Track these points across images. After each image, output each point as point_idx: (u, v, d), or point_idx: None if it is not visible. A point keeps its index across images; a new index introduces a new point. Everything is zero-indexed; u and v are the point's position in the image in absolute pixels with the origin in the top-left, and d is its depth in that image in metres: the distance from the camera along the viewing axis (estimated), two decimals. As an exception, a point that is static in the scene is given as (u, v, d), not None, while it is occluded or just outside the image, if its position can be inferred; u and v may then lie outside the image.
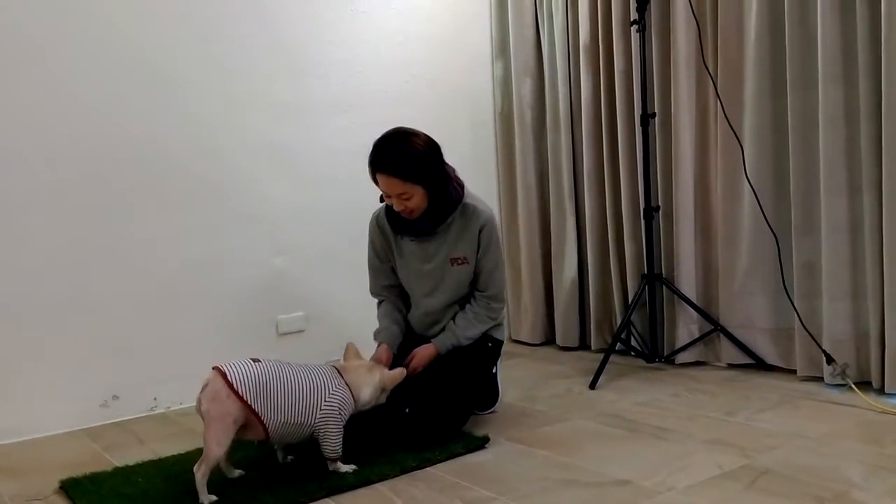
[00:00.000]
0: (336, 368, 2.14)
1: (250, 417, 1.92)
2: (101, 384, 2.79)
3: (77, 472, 2.19)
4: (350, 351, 2.28)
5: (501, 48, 3.82)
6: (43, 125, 2.67)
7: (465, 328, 2.47)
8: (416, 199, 2.32)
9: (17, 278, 2.63)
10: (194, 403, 1.92)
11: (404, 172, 2.28)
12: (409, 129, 2.36)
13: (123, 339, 2.82)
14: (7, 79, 2.60)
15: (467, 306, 2.50)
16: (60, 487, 2.13)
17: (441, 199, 2.37)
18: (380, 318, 2.58)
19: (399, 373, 2.23)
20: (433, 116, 3.61)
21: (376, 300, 2.64)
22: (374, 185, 2.38)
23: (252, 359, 1.98)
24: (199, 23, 2.99)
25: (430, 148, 2.33)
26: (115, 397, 2.81)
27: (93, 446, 2.52)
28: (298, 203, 3.24)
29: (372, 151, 2.32)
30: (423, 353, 2.44)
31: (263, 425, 1.93)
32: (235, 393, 1.88)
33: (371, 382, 2.16)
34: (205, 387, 1.90)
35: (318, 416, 2.01)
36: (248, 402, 1.89)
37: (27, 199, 2.64)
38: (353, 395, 2.11)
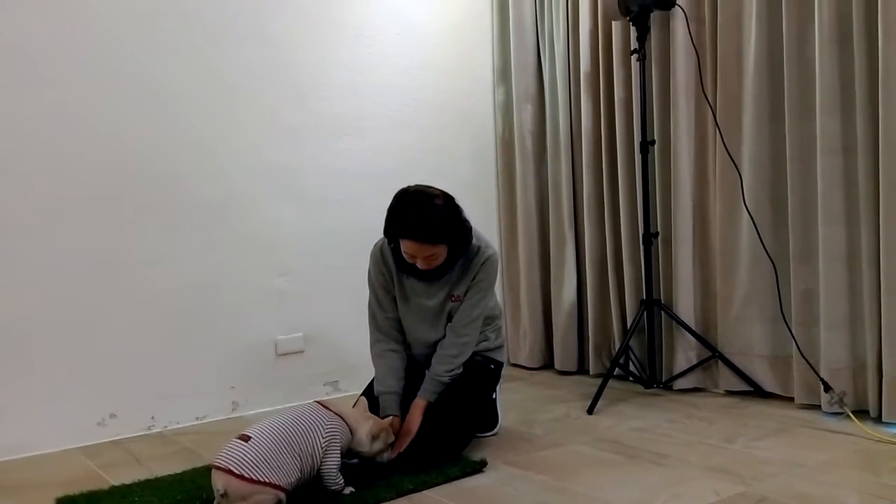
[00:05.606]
0: (320, 403, 2.14)
1: (272, 491, 1.92)
2: (98, 402, 2.78)
3: (73, 490, 2.19)
4: (360, 402, 2.30)
5: (503, 74, 3.86)
6: (47, 145, 2.69)
7: (442, 365, 2.42)
8: (441, 256, 2.34)
9: (16, 296, 2.64)
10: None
11: (434, 237, 2.28)
12: (427, 188, 2.34)
13: (122, 358, 2.82)
14: (9, 99, 2.63)
15: (438, 346, 2.47)
16: (56, 505, 2.12)
17: (460, 248, 2.40)
18: (381, 378, 2.47)
19: (389, 420, 2.25)
20: (435, 140, 3.65)
21: (376, 342, 2.54)
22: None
23: (241, 437, 1.94)
24: (204, 45, 3.02)
25: (451, 207, 2.33)
26: (113, 416, 2.81)
27: (89, 464, 2.51)
28: (299, 224, 3.25)
29: (395, 216, 2.29)
30: (408, 423, 2.37)
31: (285, 490, 1.93)
32: (252, 480, 1.87)
33: (366, 423, 2.17)
34: (224, 494, 1.87)
35: (320, 452, 2.02)
36: (266, 480, 1.89)
37: (27, 217, 2.66)
38: (349, 427, 2.12)
